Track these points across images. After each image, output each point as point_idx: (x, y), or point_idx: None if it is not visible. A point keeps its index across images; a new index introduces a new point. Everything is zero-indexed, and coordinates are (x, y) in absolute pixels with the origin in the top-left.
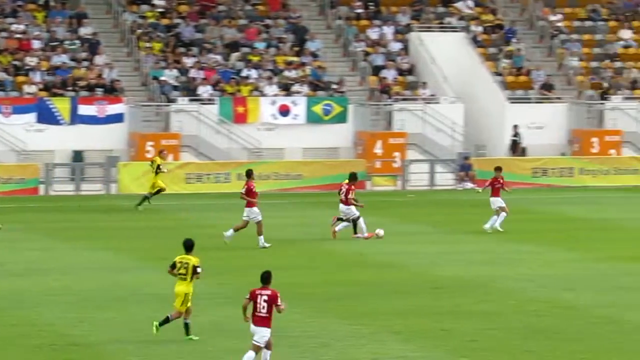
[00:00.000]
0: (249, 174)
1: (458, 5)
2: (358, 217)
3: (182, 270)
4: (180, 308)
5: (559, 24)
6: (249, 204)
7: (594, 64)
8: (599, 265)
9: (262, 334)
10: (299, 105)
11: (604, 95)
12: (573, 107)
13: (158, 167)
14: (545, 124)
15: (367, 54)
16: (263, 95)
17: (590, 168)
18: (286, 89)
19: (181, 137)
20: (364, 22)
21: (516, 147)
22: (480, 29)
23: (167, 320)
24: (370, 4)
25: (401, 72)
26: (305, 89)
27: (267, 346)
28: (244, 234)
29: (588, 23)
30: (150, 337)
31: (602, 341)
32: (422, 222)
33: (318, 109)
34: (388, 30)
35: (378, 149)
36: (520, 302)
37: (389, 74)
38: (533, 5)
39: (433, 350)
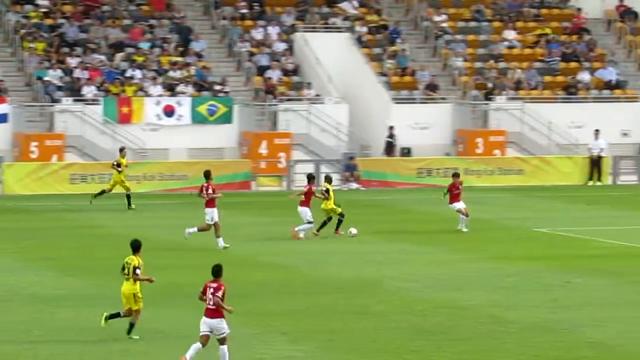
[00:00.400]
0: (208, 174)
1: (343, 5)
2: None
3: (126, 271)
4: (136, 306)
5: (444, 25)
6: (211, 205)
7: (478, 64)
8: (485, 265)
9: (219, 327)
10: (183, 106)
11: (488, 96)
12: (457, 107)
13: (118, 165)
14: (430, 124)
15: (251, 54)
16: (148, 95)
17: (475, 168)
18: (171, 89)
19: (65, 138)
20: (248, 23)
21: (391, 148)
22: (364, 29)
23: (131, 326)
24: (255, 4)
25: (286, 73)
26: (190, 89)
27: (222, 341)
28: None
29: (472, 23)
30: (34, 338)
31: (488, 341)
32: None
33: (203, 109)
34: (273, 31)
35: (263, 150)
36: (406, 302)
37: (274, 75)
38: (417, 6)
39: (320, 351)
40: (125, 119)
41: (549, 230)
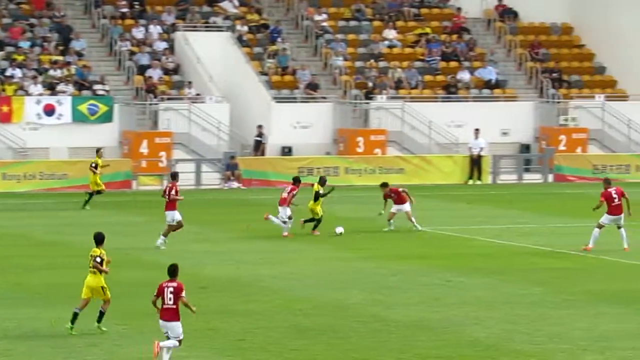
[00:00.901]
0: (174, 175)
1: (223, 5)
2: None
3: (91, 264)
4: (105, 297)
5: (324, 24)
6: (171, 207)
7: (358, 63)
8: (366, 264)
9: (175, 331)
10: (64, 105)
11: (369, 95)
12: (338, 106)
13: (96, 166)
14: (310, 123)
15: (132, 53)
16: (28, 94)
17: (356, 167)
18: (51, 88)
19: None
20: (129, 22)
21: (259, 147)
22: (245, 28)
23: (101, 315)
24: (136, 3)
25: (167, 72)
26: (70, 88)
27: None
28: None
29: (353, 23)
30: None
31: (369, 339)
32: (188, 221)
33: (83, 108)
34: (153, 30)
35: (144, 149)
36: (287, 301)
37: (155, 74)
38: (298, 5)
39: (200, 350)
40: (6, 118)
41: (429, 229)
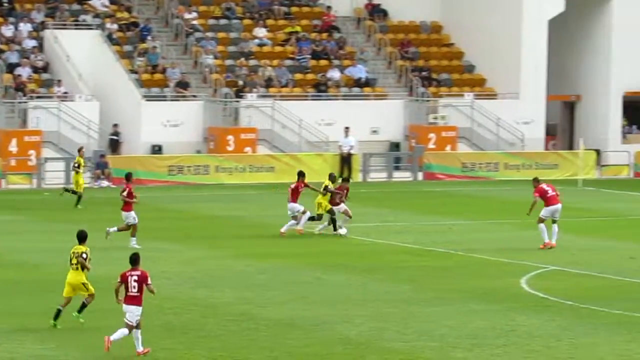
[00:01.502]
0: (129, 177)
1: (93, 2)
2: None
3: (74, 260)
4: (88, 292)
5: (194, 22)
6: (127, 208)
7: (229, 62)
8: (236, 262)
9: (134, 313)
10: None
11: (239, 93)
12: (208, 105)
13: (78, 166)
14: (180, 121)
15: (1, 51)
16: None
17: (226, 166)
18: None
19: None
20: None
21: (116, 146)
22: (115, 26)
23: (83, 306)
24: (5, 1)
25: (36, 70)
26: None
27: (137, 325)
28: None
29: (223, 21)
30: None
31: (239, 338)
32: (57, 220)
33: None
34: (23, 28)
35: (13, 147)
36: (158, 300)
37: (24, 72)
38: (168, 4)
39: (70, 349)
40: None
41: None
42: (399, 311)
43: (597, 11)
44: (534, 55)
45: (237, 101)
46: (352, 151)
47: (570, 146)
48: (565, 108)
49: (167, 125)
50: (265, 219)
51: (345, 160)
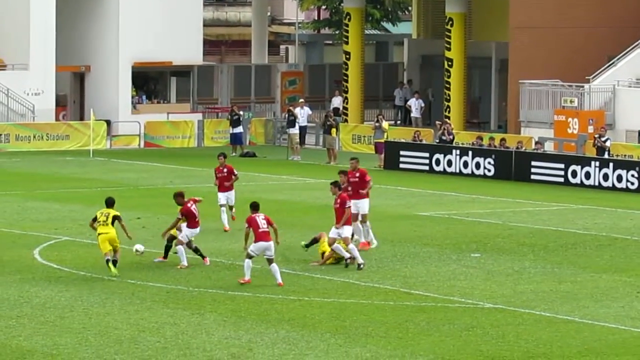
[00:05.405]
0: None
1: None
2: None
3: (102, 218)
4: (116, 245)
5: None
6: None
7: None
8: None
9: (273, 248)
10: None
11: None
12: None
13: None
14: None
15: None
16: None
17: None
18: None
19: None
20: None
21: None
22: None
23: (114, 263)
24: None
25: None
26: None
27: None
28: None
29: None
30: None
31: None
32: None
33: None
34: None
35: None
36: None
37: None
38: None
39: None
40: None
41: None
42: None
43: None
44: (42, 25)
45: None
46: None
47: (82, 117)
48: (75, 79)
49: None
50: None
51: None
